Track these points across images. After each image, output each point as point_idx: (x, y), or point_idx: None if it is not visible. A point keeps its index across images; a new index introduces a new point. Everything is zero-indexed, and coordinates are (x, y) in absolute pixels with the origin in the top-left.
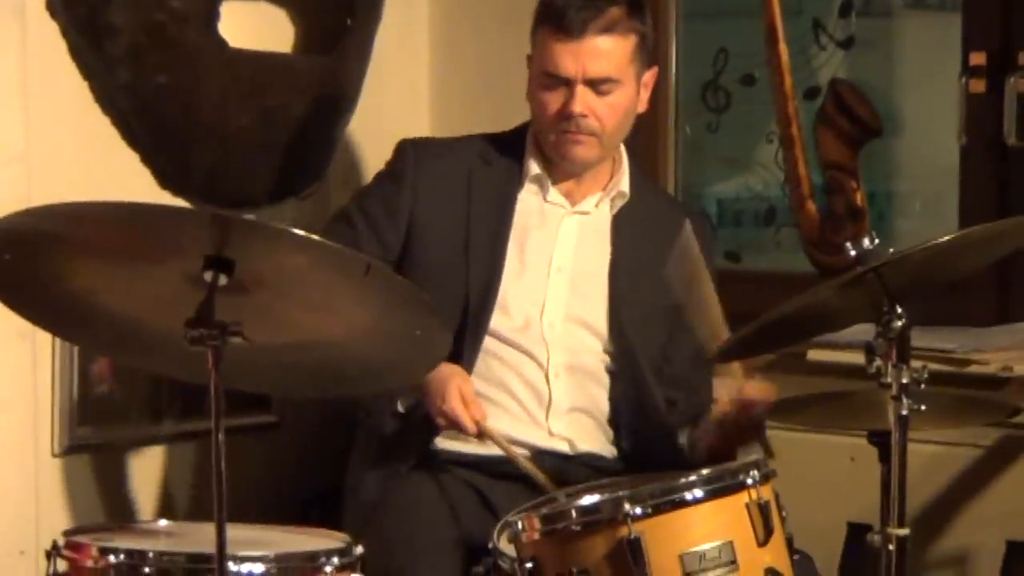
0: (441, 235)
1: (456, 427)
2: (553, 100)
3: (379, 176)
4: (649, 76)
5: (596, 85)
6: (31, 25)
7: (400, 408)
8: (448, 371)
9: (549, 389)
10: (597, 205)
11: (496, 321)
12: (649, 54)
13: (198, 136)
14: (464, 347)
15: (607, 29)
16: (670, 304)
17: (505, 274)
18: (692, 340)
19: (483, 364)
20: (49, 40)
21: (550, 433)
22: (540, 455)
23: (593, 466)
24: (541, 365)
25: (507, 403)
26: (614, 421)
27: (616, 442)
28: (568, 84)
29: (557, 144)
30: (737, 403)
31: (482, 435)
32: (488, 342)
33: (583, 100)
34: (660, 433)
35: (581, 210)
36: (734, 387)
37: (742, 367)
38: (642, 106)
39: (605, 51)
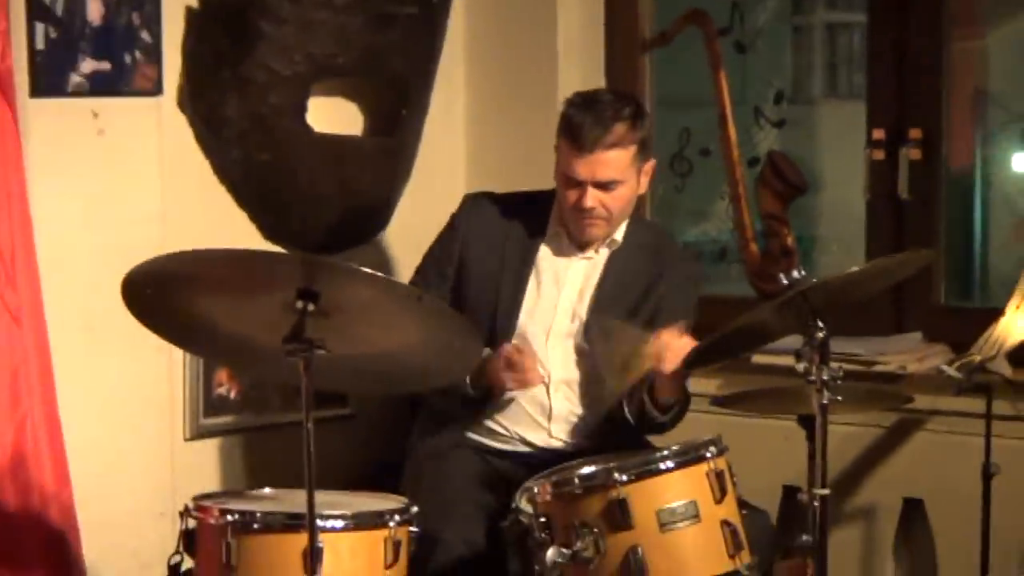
0: (479, 275)
1: (522, 381)
2: (571, 194)
3: (446, 226)
4: (648, 166)
5: (603, 185)
6: (165, 117)
7: (472, 392)
8: (497, 362)
9: (550, 401)
10: (597, 251)
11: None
12: (648, 150)
13: (292, 200)
14: None
15: (613, 145)
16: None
17: (523, 310)
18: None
19: None
20: (179, 128)
21: (549, 435)
22: (543, 451)
23: (580, 456)
24: (544, 381)
25: (517, 411)
26: (592, 415)
27: (595, 431)
28: (581, 184)
29: (574, 226)
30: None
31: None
32: None
33: (593, 196)
34: (620, 417)
35: (586, 256)
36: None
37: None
38: (642, 189)
39: (611, 161)
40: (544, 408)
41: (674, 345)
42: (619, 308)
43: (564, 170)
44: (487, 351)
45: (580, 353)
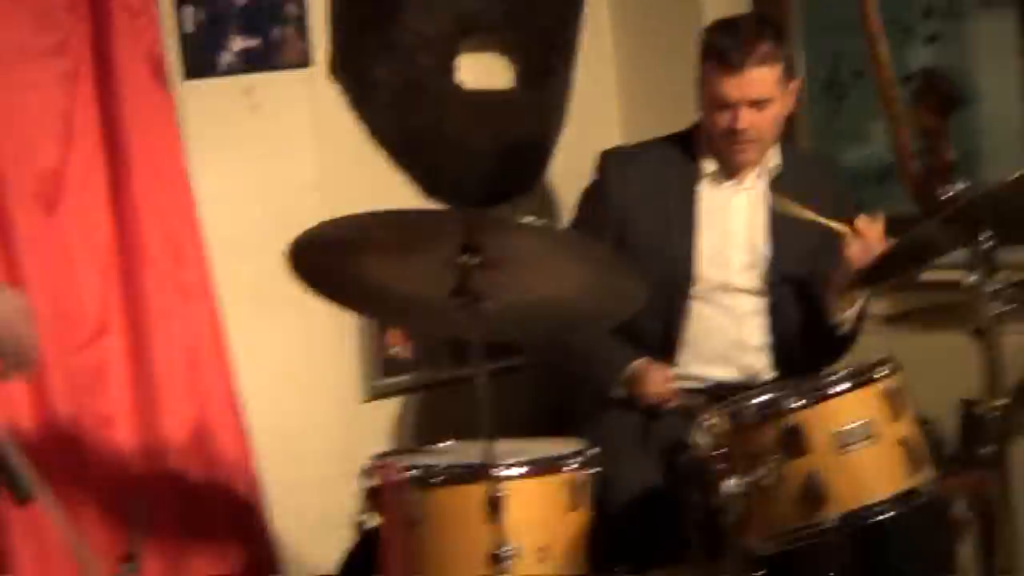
0: (646, 231)
1: (657, 401)
2: (722, 119)
3: (585, 194)
4: (794, 85)
5: (755, 104)
6: (317, 87)
7: (620, 394)
8: (646, 368)
9: (739, 332)
10: (757, 177)
11: (694, 289)
12: (791, 70)
13: (448, 158)
14: (675, 310)
15: (761, 62)
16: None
17: (697, 251)
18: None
19: (689, 319)
20: (331, 96)
21: (737, 368)
22: (722, 384)
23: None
24: (730, 313)
25: (703, 348)
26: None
27: (782, 360)
28: (733, 106)
29: (727, 152)
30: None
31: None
32: (691, 303)
33: (745, 118)
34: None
35: (746, 187)
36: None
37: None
38: (790, 108)
39: (761, 78)
40: (731, 340)
41: (874, 231)
42: (794, 236)
43: (713, 94)
44: (640, 360)
45: (764, 281)
